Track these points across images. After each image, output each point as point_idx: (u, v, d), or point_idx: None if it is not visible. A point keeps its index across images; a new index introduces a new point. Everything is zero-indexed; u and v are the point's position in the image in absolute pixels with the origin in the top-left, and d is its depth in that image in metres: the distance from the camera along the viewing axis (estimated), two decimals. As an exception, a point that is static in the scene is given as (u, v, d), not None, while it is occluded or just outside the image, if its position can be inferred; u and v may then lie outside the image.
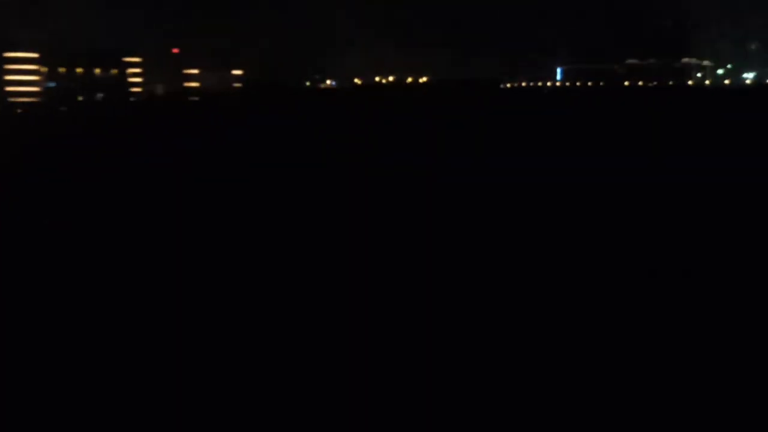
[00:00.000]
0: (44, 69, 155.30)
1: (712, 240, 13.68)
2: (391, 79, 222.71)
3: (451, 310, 9.12)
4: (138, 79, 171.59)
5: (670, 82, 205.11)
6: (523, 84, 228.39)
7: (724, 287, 9.99)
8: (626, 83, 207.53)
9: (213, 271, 11.47)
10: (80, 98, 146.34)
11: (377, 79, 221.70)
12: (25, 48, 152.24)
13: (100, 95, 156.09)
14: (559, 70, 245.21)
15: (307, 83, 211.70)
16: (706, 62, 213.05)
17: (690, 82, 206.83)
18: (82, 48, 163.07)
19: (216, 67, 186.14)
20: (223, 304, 9.50)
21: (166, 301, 9.39)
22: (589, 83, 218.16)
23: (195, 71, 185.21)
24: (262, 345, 7.38)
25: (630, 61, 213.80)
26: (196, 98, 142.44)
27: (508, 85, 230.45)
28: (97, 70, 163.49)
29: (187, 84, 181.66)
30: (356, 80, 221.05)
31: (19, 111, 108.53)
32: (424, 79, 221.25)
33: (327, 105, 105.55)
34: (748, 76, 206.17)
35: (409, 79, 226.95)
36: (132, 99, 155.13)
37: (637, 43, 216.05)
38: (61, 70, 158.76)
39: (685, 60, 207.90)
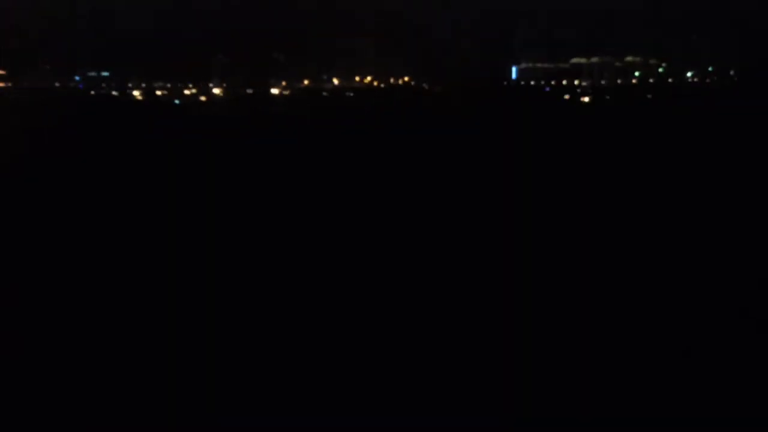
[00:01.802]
0: None
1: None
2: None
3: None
4: None
5: (618, 81, 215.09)
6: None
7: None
8: (576, 82, 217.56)
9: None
10: None
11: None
12: None
13: None
14: (514, 69, 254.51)
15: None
16: (652, 61, 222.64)
17: (633, 81, 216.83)
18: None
19: None
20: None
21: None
22: (542, 82, 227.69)
23: None
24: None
25: (575, 60, 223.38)
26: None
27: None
28: None
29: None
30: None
31: None
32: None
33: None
34: (689, 75, 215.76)
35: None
36: None
37: (582, 41, 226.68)
38: None
39: (629, 59, 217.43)
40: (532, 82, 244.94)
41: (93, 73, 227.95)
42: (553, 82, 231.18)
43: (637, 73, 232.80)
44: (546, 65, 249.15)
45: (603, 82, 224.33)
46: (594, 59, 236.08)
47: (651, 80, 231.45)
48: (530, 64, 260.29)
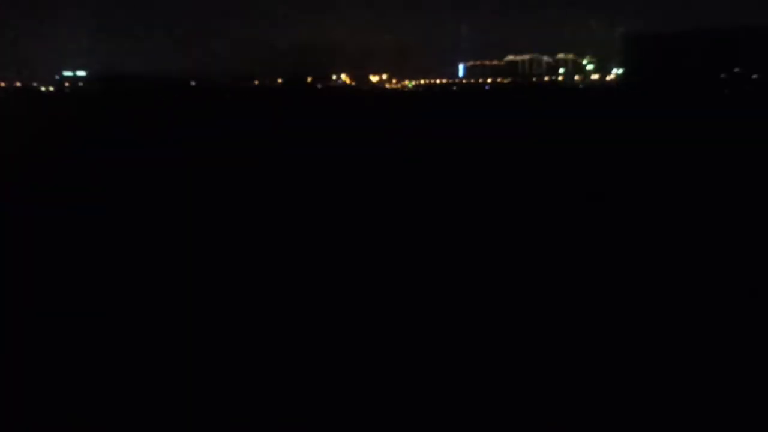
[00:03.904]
0: None
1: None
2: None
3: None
4: None
5: (546, 77, 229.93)
6: (424, 81, 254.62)
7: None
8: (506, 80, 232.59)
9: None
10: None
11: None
12: None
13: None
14: (461, 67, 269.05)
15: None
16: (587, 59, 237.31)
17: (560, 78, 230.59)
18: None
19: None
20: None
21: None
22: (489, 80, 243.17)
23: None
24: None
25: (509, 57, 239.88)
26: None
27: (422, 82, 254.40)
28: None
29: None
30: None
31: None
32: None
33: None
34: (617, 71, 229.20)
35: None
36: None
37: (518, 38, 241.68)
38: None
39: (560, 56, 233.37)
40: (479, 80, 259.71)
41: (69, 73, 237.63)
42: (489, 79, 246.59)
43: (561, 70, 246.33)
44: (493, 62, 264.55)
45: (534, 78, 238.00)
46: (525, 56, 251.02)
47: (576, 77, 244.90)
48: (477, 62, 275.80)
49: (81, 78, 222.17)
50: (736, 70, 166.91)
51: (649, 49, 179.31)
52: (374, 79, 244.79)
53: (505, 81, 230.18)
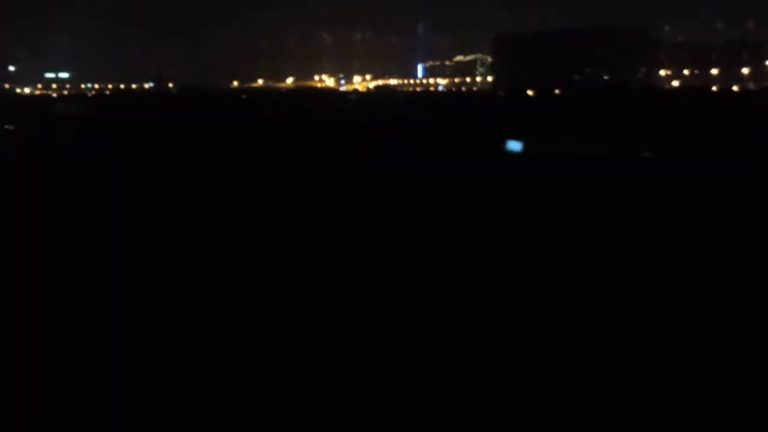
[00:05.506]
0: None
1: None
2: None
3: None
4: None
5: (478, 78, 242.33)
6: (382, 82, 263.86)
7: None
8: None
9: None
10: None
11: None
12: None
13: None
14: (420, 67, 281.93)
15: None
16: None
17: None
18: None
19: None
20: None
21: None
22: (446, 80, 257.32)
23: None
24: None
25: (458, 57, 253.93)
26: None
27: (381, 82, 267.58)
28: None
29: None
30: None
31: None
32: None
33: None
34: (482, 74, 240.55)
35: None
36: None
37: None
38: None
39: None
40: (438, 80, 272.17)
41: (51, 75, 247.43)
42: (441, 80, 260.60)
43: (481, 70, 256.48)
44: (448, 62, 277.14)
45: (471, 78, 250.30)
46: (471, 56, 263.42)
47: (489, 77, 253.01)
48: (437, 62, 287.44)
49: (64, 80, 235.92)
50: (588, 70, 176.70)
51: (516, 50, 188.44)
52: (356, 81, 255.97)
53: (443, 82, 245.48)
